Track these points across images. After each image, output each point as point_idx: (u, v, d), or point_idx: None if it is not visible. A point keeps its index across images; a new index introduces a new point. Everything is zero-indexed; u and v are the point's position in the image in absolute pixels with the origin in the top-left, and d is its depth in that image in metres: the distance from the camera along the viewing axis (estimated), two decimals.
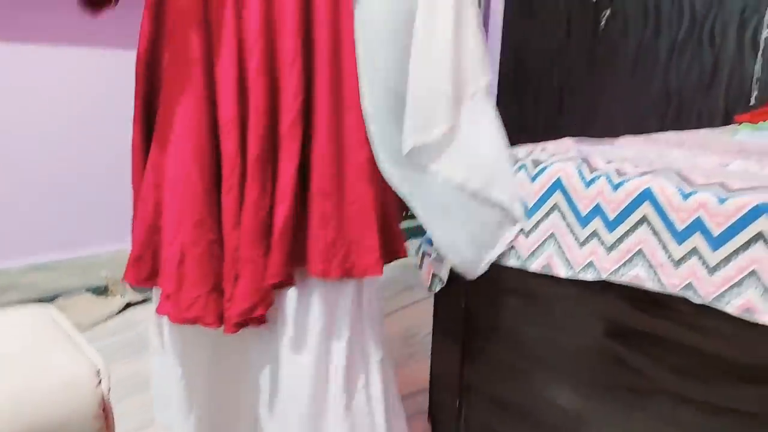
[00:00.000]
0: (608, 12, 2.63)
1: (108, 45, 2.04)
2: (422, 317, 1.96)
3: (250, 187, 0.93)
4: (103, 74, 2.05)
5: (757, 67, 2.25)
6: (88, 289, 2.09)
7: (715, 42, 2.35)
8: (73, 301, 2.02)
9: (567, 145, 1.27)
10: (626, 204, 0.94)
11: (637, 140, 1.48)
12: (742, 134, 1.66)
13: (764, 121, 1.76)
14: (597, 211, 0.99)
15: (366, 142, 0.97)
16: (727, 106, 2.39)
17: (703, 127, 2.30)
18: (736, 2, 2.28)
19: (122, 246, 2.17)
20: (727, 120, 2.33)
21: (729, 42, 2.32)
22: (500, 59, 3.15)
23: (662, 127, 2.51)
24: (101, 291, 2.11)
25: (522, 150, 1.19)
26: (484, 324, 1.18)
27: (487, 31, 3.20)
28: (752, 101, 2.28)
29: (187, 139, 0.95)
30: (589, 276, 0.98)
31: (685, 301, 0.87)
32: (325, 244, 0.97)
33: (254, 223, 0.94)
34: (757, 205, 0.80)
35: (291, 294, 1.01)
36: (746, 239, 0.81)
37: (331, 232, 0.97)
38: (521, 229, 1.08)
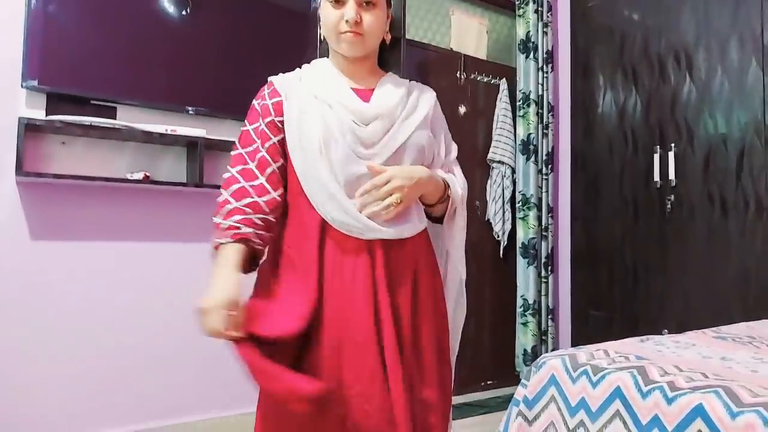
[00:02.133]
0: (672, 197, 2.79)
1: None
2: None
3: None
4: (190, 267, 2.43)
5: None
6: None
7: None
8: None
9: (629, 347, 1.38)
10: (681, 418, 1.03)
11: (703, 337, 1.55)
12: None
13: None
14: (655, 422, 1.07)
15: None
16: None
17: None
18: None
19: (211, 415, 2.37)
20: None
21: None
22: (570, 236, 3.33)
23: (745, 309, 2.50)
24: None
25: (583, 353, 1.31)
26: None
27: (556, 208, 3.44)
28: None
29: None
30: None
31: None
32: None
33: None
34: None
35: None
36: None
37: None
38: None
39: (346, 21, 1.16)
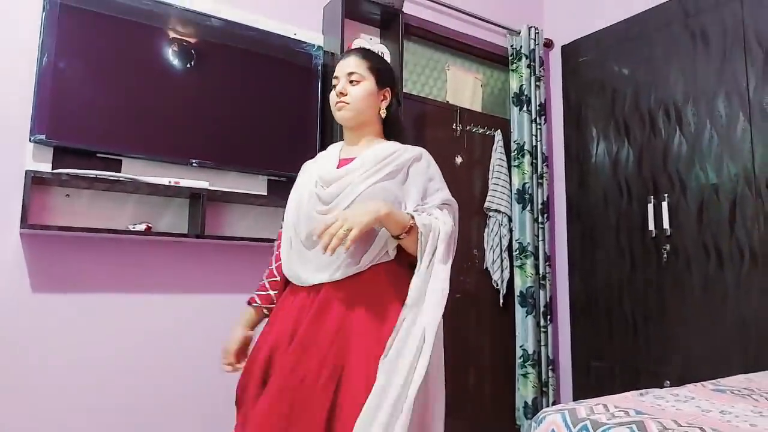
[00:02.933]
0: (668, 247, 2.83)
1: (208, 292, 2.47)
2: None
3: None
4: (192, 318, 2.44)
5: None
6: None
7: None
8: None
9: (628, 401, 1.38)
10: None
11: (702, 390, 1.55)
12: None
13: None
14: None
15: None
16: None
17: None
18: None
19: None
20: None
21: None
22: (569, 285, 3.34)
23: (745, 358, 2.49)
24: None
25: (583, 408, 1.31)
26: None
27: (553, 256, 3.46)
28: None
29: None
30: None
31: None
32: None
33: None
34: None
35: None
36: None
37: None
38: None
39: (337, 93, 1.48)
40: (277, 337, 1.37)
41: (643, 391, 1.53)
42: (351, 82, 1.47)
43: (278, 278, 1.52)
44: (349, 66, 1.48)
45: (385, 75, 1.52)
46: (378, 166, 1.40)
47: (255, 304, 1.55)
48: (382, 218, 1.29)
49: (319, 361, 1.28)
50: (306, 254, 1.38)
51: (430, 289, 1.31)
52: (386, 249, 1.36)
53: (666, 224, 2.83)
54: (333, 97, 1.49)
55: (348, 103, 1.46)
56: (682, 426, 1.15)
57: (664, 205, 2.85)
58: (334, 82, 1.49)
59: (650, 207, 2.91)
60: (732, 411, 1.31)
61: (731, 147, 2.65)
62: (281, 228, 1.55)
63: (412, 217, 1.34)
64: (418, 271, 1.32)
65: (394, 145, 1.48)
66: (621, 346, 3.01)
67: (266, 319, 1.54)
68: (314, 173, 1.47)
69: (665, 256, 2.85)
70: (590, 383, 3.12)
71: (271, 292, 1.53)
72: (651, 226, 2.90)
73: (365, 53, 1.52)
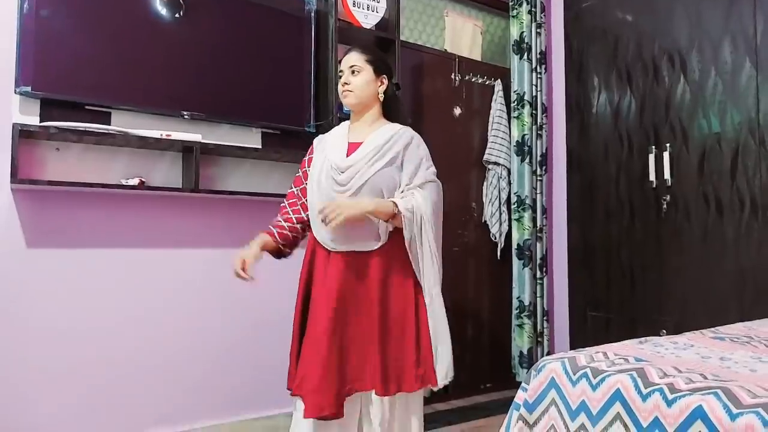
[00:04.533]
0: (668, 198, 2.80)
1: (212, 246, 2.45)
2: None
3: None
4: (187, 272, 2.43)
5: None
6: None
7: None
8: None
9: (628, 349, 1.38)
10: (681, 420, 1.03)
11: (702, 338, 1.55)
12: None
13: None
14: (656, 424, 1.07)
15: None
16: None
17: None
18: None
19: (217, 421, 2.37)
20: None
21: None
22: (567, 237, 3.33)
23: (742, 309, 2.51)
24: None
25: (583, 356, 1.31)
26: None
27: (550, 209, 3.44)
28: None
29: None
30: None
31: None
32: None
33: None
34: None
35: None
36: None
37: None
38: None
39: (342, 84, 1.82)
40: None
41: (642, 339, 1.53)
42: (353, 73, 1.80)
43: (296, 226, 1.84)
44: (351, 60, 1.81)
45: (381, 65, 1.83)
46: (379, 153, 1.74)
47: (273, 237, 1.83)
48: (369, 212, 1.66)
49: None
50: (320, 224, 1.71)
51: (427, 265, 1.74)
52: (384, 233, 1.73)
53: (667, 175, 2.80)
54: (340, 87, 1.83)
55: (351, 91, 1.79)
56: (682, 372, 1.15)
57: (666, 155, 2.80)
58: (340, 74, 1.83)
59: (651, 157, 2.87)
60: (732, 357, 1.32)
61: (736, 95, 2.59)
62: (291, 188, 1.90)
63: (397, 205, 1.68)
64: (410, 249, 1.73)
65: (390, 130, 1.79)
66: (618, 296, 3.03)
67: (276, 247, 1.83)
68: (328, 156, 1.78)
69: (665, 207, 2.83)
70: (587, 333, 3.16)
71: (289, 234, 1.84)
72: (651, 176, 2.86)
73: (364, 48, 1.85)
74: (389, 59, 1.90)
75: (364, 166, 1.73)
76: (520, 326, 3.23)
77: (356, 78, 1.79)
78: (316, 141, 1.92)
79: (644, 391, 1.11)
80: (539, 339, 3.26)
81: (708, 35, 2.69)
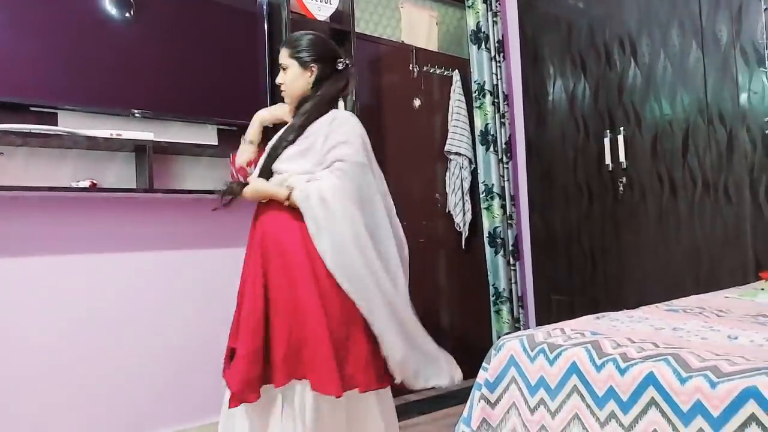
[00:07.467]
0: (624, 180, 2.86)
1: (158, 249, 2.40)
2: None
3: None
4: (142, 276, 2.37)
5: None
6: None
7: (732, 200, 2.51)
8: None
9: (584, 324, 1.40)
10: (634, 387, 1.05)
11: (656, 311, 1.59)
12: (762, 295, 1.74)
13: None
14: (611, 393, 1.09)
15: None
16: (757, 257, 2.47)
17: (736, 282, 2.37)
18: (742, 165, 2.48)
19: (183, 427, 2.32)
20: (759, 270, 2.40)
21: (745, 199, 2.47)
22: (529, 223, 3.38)
23: (697, 284, 2.58)
24: None
25: (541, 333, 1.32)
26: None
27: (517, 196, 3.48)
28: None
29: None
30: None
31: None
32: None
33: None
34: (742, 390, 0.90)
35: None
36: (742, 421, 0.90)
37: None
38: (547, 409, 1.18)
39: (277, 83, 1.86)
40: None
41: (599, 314, 1.56)
42: (283, 70, 1.82)
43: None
44: (280, 58, 1.83)
45: (305, 55, 1.80)
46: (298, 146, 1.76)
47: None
48: (262, 194, 1.74)
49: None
50: None
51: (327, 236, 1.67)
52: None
53: (622, 158, 2.86)
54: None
55: (284, 90, 1.84)
56: (635, 342, 1.18)
57: (620, 138, 2.87)
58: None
59: (606, 141, 2.92)
60: (684, 327, 1.35)
61: (685, 77, 2.66)
62: None
63: (291, 191, 1.69)
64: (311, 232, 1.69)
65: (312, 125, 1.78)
66: (580, 279, 3.08)
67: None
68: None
69: (621, 189, 2.89)
70: (551, 316, 3.20)
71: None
72: (608, 160, 2.92)
73: (287, 42, 1.85)
74: (326, 44, 1.86)
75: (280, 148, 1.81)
76: (498, 312, 3.27)
77: (286, 76, 1.82)
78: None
79: (598, 362, 1.13)
80: (516, 324, 3.30)
81: (657, 19, 2.76)
